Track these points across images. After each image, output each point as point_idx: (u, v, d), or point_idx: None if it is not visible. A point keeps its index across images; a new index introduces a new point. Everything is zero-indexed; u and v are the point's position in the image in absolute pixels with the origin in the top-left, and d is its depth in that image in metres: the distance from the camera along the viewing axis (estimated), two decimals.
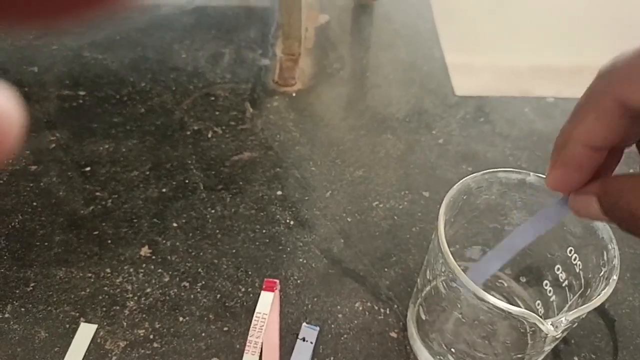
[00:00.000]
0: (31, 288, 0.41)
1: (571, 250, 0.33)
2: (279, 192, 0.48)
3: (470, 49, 0.65)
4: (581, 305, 0.27)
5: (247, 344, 0.38)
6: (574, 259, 0.32)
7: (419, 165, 0.50)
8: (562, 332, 0.28)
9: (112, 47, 0.61)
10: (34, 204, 0.46)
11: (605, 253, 0.29)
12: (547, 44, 0.66)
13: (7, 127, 0.10)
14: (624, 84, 0.19)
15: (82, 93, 0.56)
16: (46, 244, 0.44)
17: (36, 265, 0.42)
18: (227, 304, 0.40)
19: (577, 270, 0.32)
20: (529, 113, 0.56)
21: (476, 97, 0.57)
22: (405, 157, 0.51)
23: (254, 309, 0.40)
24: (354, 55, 0.62)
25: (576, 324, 0.30)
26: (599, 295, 0.27)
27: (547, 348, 0.31)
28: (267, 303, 0.40)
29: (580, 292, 0.32)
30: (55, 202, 0.46)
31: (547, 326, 0.26)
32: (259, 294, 0.41)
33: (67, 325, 0.39)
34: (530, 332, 0.36)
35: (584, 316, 0.29)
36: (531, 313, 0.26)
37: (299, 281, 0.42)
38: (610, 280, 0.28)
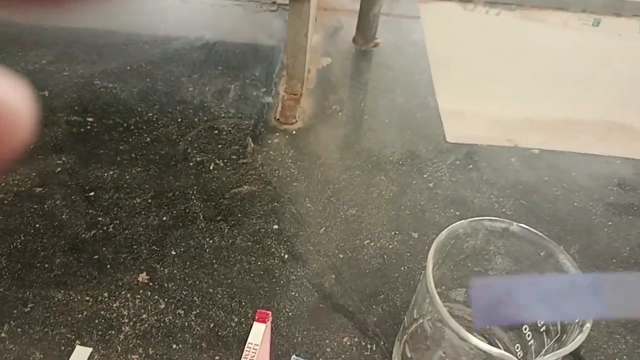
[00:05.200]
0: (29, 309, 0.42)
1: None
2: (276, 226, 0.50)
3: (463, 98, 0.68)
4: (557, 350, 0.29)
5: None
6: None
7: (409, 207, 0.53)
8: None
9: (122, 76, 0.64)
10: (37, 225, 0.48)
11: None
12: (536, 97, 0.70)
13: (17, 121, 0.10)
14: None
15: (90, 119, 0.58)
16: (46, 265, 0.45)
17: (35, 286, 0.43)
18: (220, 333, 0.42)
19: None
20: (515, 163, 0.59)
21: (467, 145, 0.60)
22: (397, 199, 0.53)
23: (246, 339, 0.41)
24: (353, 98, 0.65)
25: None
26: (573, 341, 0.29)
27: None
28: (259, 334, 0.42)
29: (556, 337, 0.34)
30: (58, 224, 0.48)
31: None
32: (252, 325, 0.42)
33: (63, 348, 0.40)
34: None
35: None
36: (510, 355, 0.28)
37: (290, 314, 0.43)
38: (584, 328, 0.30)
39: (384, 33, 0.76)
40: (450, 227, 0.34)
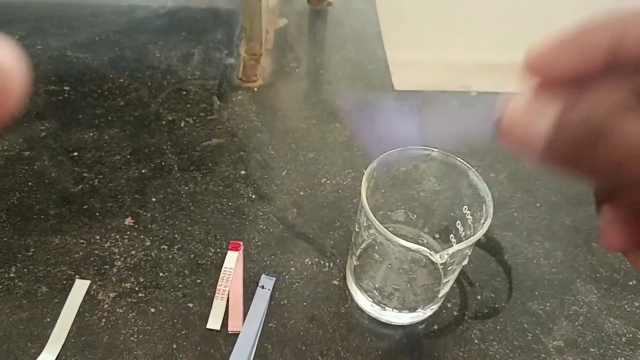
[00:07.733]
0: (31, 253, 0.48)
1: (465, 208, 0.42)
2: (243, 172, 0.56)
3: (411, 49, 0.75)
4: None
5: (217, 292, 0.47)
6: (467, 215, 0.42)
7: (361, 149, 0.60)
8: (451, 263, 0.38)
9: (92, 47, 0.69)
10: (30, 183, 0.54)
11: (484, 206, 0.39)
12: (483, 43, 0.76)
13: (9, 81, 0.10)
14: None
15: (67, 88, 0.63)
16: (42, 217, 0.51)
17: (35, 234, 0.50)
18: (199, 262, 0.49)
19: (470, 224, 0.42)
20: (454, 105, 0.66)
21: (411, 92, 0.67)
22: (350, 142, 0.60)
23: (222, 265, 0.49)
24: (309, 55, 0.71)
25: (465, 259, 0.40)
26: (472, 236, 0.37)
27: (445, 280, 0.41)
28: (233, 260, 0.49)
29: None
30: (48, 182, 0.54)
31: (435, 257, 0.36)
32: (226, 254, 0.50)
33: (65, 282, 0.47)
34: (444, 276, 0.46)
35: (469, 252, 0.39)
36: (424, 248, 0.36)
37: (259, 243, 0.51)
38: (484, 226, 0.38)
39: None
40: (381, 156, 0.42)
